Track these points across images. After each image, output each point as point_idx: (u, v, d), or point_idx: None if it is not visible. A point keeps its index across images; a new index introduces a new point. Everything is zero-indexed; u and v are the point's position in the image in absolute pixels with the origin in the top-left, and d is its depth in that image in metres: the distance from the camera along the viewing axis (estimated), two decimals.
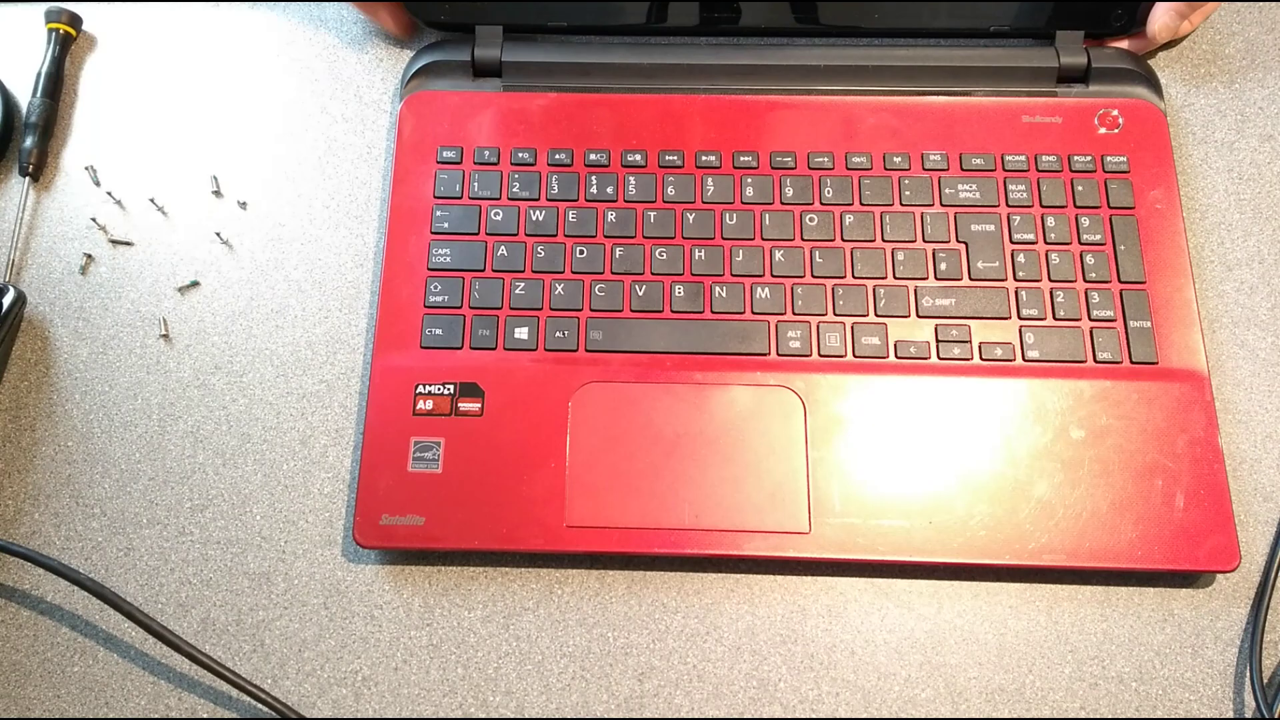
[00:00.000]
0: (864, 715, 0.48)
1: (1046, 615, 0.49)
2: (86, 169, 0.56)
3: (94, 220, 0.55)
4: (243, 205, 0.56)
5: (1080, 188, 0.54)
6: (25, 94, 0.57)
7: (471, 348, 0.51)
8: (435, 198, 0.54)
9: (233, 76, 0.58)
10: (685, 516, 0.48)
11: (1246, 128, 0.57)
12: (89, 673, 0.49)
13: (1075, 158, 0.54)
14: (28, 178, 0.56)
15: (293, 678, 0.49)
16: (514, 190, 0.54)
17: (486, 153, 0.55)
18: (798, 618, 0.49)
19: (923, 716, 0.48)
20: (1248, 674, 0.48)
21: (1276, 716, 0.46)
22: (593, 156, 0.55)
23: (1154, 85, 0.57)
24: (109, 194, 0.56)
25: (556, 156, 0.55)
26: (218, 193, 0.56)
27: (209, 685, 0.49)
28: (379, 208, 0.56)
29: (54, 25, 0.58)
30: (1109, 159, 0.54)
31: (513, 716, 0.48)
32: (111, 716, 0.48)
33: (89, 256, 0.55)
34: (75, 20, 0.58)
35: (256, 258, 0.55)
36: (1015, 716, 0.48)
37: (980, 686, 0.48)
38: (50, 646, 0.49)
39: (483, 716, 0.48)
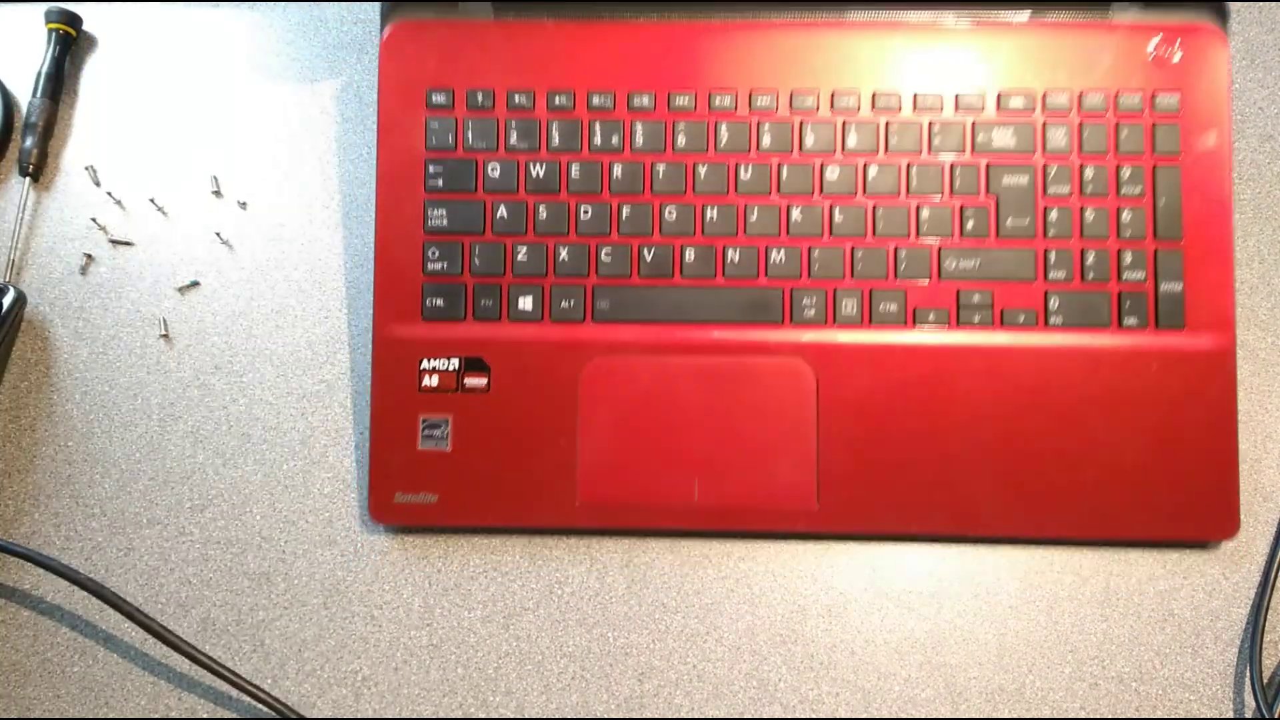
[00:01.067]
0: (864, 715, 0.48)
1: (1046, 615, 0.49)
2: (86, 169, 0.56)
3: (94, 220, 0.55)
4: (243, 205, 0.56)
5: (1125, 133, 0.50)
6: (25, 94, 0.57)
7: (474, 318, 0.50)
8: (427, 150, 0.51)
9: (233, 76, 0.58)
10: (695, 491, 0.48)
11: (1246, 128, 0.57)
12: (89, 673, 0.49)
13: (1123, 97, 0.50)
14: (28, 178, 0.56)
15: (293, 678, 0.49)
16: (511, 141, 0.51)
17: (480, 96, 0.51)
18: (798, 618, 0.49)
19: (923, 716, 0.48)
20: (1248, 674, 0.48)
21: (1276, 716, 0.46)
22: (596, 100, 0.51)
23: (1217, 6, 0.51)
24: (109, 194, 0.56)
25: (557, 100, 0.51)
26: (218, 193, 0.56)
27: (209, 685, 0.49)
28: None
29: (54, 25, 0.57)
30: (1160, 98, 0.50)
31: (513, 716, 0.48)
32: (111, 716, 0.48)
33: (89, 256, 0.55)
34: (75, 20, 0.58)
35: (256, 258, 0.55)
36: (1015, 717, 0.47)
37: (980, 686, 0.48)
38: (50, 646, 0.49)
39: (483, 716, 0.48)
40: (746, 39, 0.51)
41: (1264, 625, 0.48)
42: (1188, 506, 0.47)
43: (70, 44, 0.58)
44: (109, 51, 0.59)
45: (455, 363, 0.49)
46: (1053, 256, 0.49)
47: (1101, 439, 0.48)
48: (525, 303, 0.50)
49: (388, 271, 0.50)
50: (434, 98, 0.51)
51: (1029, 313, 0.49)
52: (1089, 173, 0.50)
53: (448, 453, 0.49)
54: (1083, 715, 0.48)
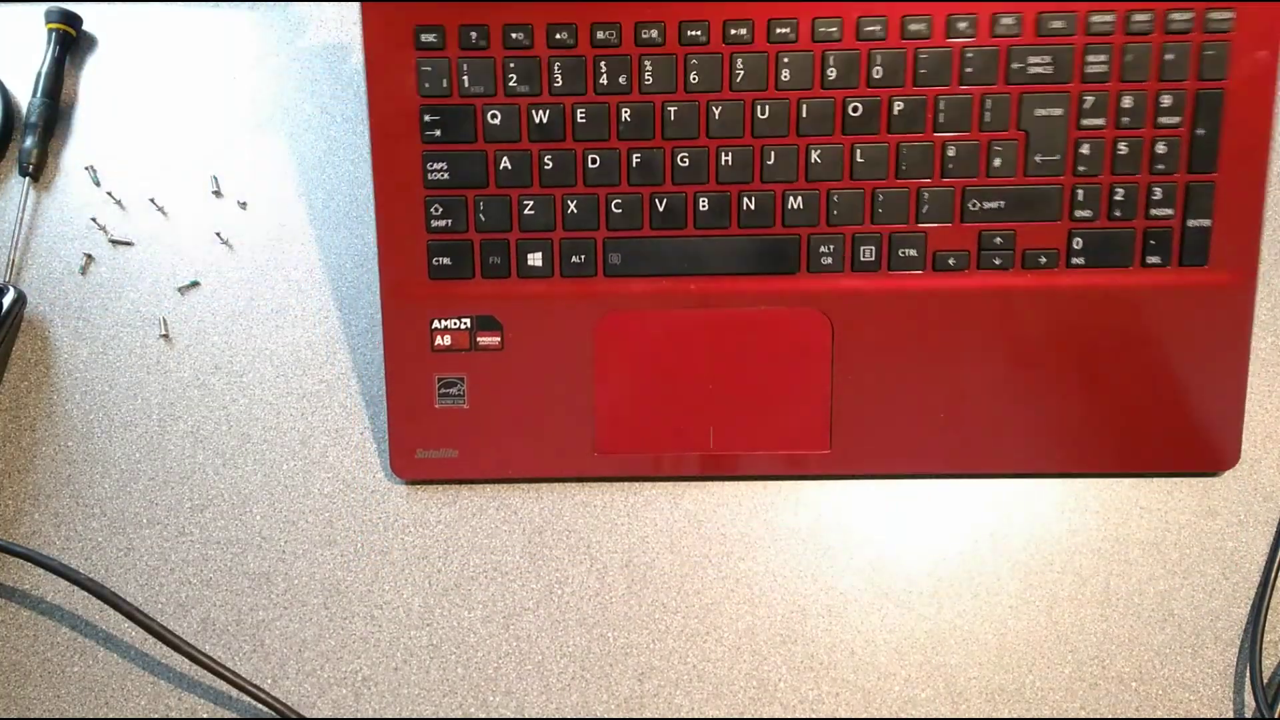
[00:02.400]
0: (864, 715, 0.48)
1: (1046, 615, 0.49)
2: (86, 169, 0.56)
3: (94, 220, 0.55)
4: (243, 205, 0.56)
5: (1170, 56, 0.47)
6: (25, 94, 0.57)
7: (483, 276, 0.49)
8: (421, 98, 0.48)
9: (233, 76, 0.58)
10: (711, 440, 0.49)
11: None
12: (89, 673, 0.49)
13: (1173, 14, 0.46)
14: (28, 178, 0.56)
15: (293, 678, 0.49)
16: (511, 84, 0.48)
17: (474, 34, 0.47)
18: (798, 618, 0.49)
19: (923, 716, 0.48)
20: (1248, 674, 0.48)
21: (1276, 717, 0.46)
22: (600, 35, 0.47)
23: None
24: (109, 194, 0.56)
25: (558, 36, 0.47)
26: (218, 193, 0.56)
27: (209, 685, 0.49)
28: None
29: (54, 25, 0.57)
30: (1212, 14, 0.46)
31: (513, 716, 0.48)
32: (111, 716, 0.48)
33: (89, 256, 0.55)
34: (75, 20, 0.58)
35: (256, 258, 0.55)
36: (1015, 717, 0.48)
37: (980, 686, 0.48)
38: (50, 646, 0.49)
39: (483, 716, 0.48)
40: None
41: (1264, 625, 0.48)
42: (1192, 438, 0.48)
43: (70, 44, 0.58)
44: (109, 51, 0.59)
45: (467, 322, 0.49)
46: (1080, 194, 0.48)
47: (1114, 374, 0.48)
48: (535, 259, 0.49)
49: (390, 230, 0.49)
50: (423, 36, 0.48)
51: (1050, 253, 0.48)
52: (1126, 102, 0.47)
53: (465, 409, 0.49)
54: (1083, 715, 0.48)
